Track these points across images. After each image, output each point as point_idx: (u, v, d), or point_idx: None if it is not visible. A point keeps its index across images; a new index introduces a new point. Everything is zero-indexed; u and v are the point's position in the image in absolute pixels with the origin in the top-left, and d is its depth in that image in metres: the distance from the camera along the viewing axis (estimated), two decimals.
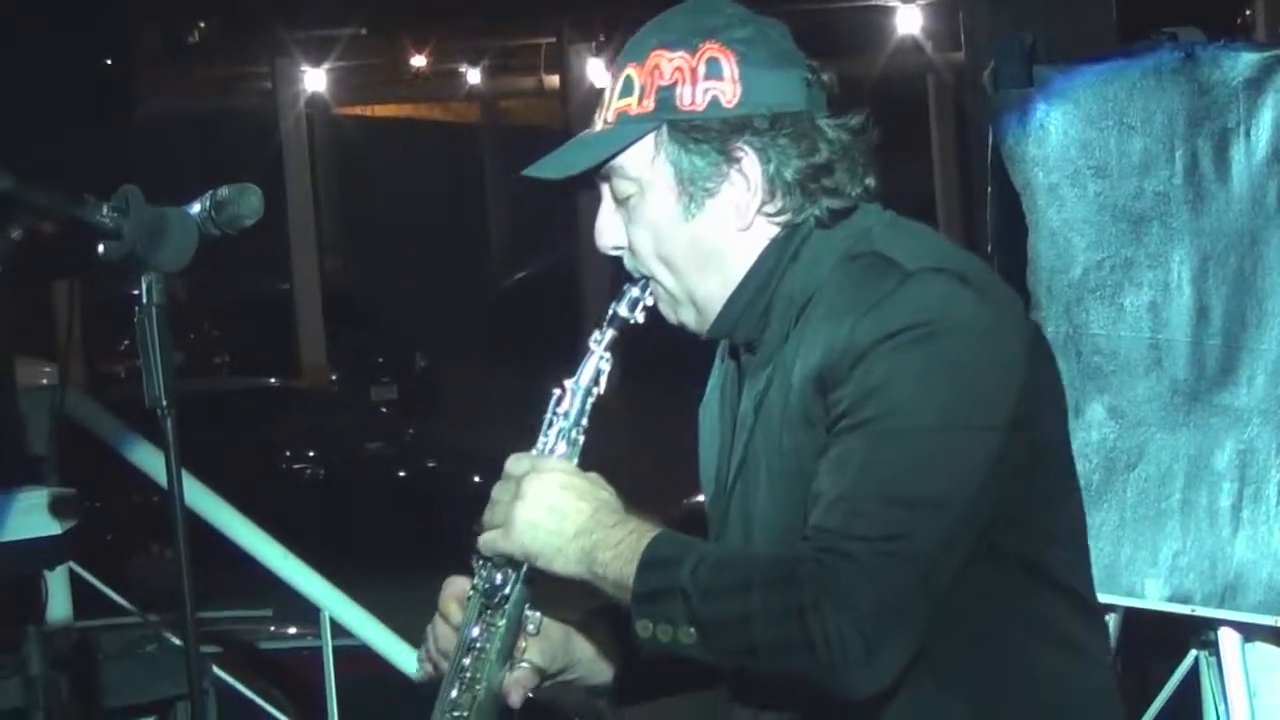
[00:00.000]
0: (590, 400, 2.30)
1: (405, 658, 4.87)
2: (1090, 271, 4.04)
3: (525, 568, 2.27)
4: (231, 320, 21.37)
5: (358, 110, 28.37)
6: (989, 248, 4.24)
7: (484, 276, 26.82)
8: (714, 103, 2.25)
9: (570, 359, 2.34)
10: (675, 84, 2.26)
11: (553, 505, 2.21)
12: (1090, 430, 3.98)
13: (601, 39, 21.07)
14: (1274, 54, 3.85)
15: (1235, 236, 3.88)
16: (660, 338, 2.38)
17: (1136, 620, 4.10)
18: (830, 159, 2.25)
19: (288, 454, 14.48)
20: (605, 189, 2.32)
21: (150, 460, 4.86)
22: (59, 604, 4.63)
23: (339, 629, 5.11)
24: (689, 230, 2.27)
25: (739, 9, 2.30)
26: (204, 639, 4.63)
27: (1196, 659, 4.09)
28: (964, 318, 2.15)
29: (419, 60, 23.21)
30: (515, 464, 2.26)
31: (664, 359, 4.23)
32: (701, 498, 2.46)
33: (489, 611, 2.31)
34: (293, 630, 6.77)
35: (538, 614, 2.35)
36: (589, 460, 2.30)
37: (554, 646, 2.40)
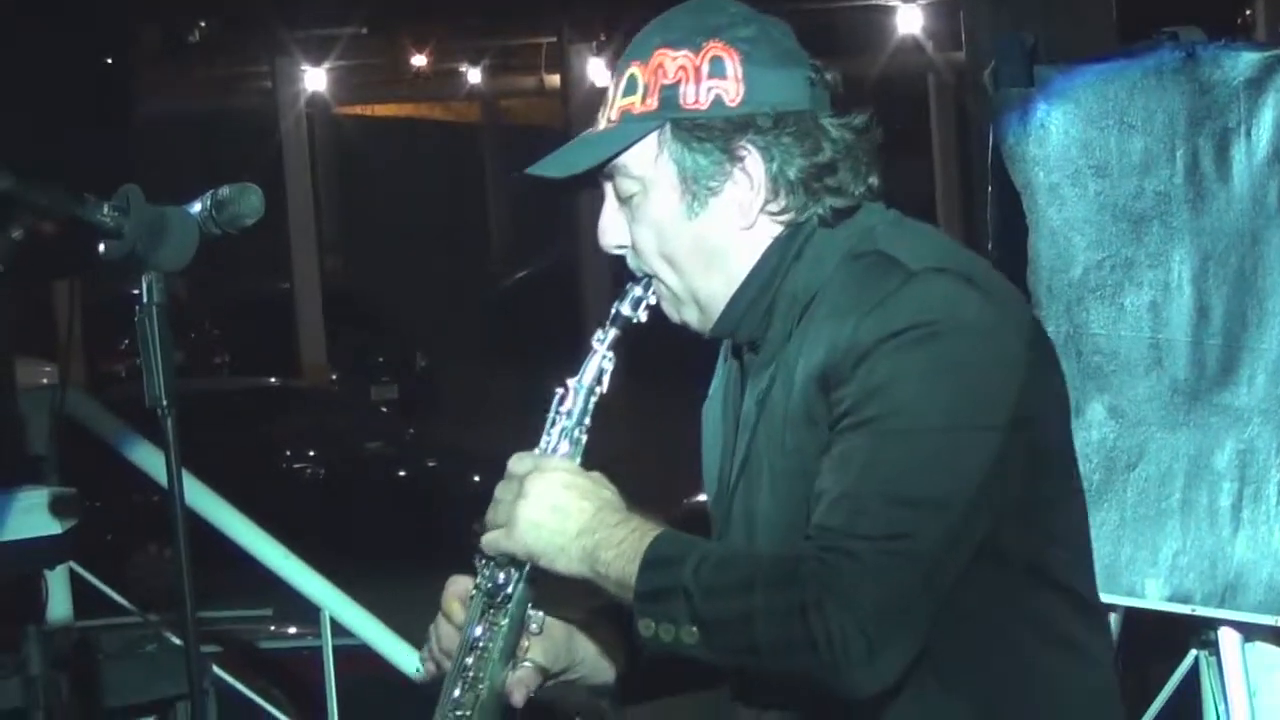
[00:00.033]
0: (593, 399, 2.30)
1: (405, 657, 4.87)
2: (1091, 271, 4.04)
3: (528, 567, 2.27)
4: (232, 320, 21.37)
5: (358, 110, 28.38)
6: (989, 247, 4.24)
7: (484, 276, 26.83)
8: (717, 101, 2.25)
9: (570, 358, 2.34)
10: (679, 83, 2.26)
11: (555, 504, 2.21)
12: (1090, 430, 3.98)
13: (602, 38, 21.08)
14: (1274, 54, 3.85)
15: (1236, 236, 3.87)
16: (663, 337, 2.38)
17: (1136, 620, 4.10)
18: (834, 158, 2.25)
19: (288, 454, 14.48)
20: (608, 188, 2.31)
21: (150, 460, 4.86)
22: (59, 604, 4.63)
23: (339, 629, 5.11)
24: (692, 229, 2.27)
25: (742, 8, 2.30)
26: (204, 639, 4.62)
27: (1196, 659, 4.09)
28: (967, 317, 2.15)
29: (419, 60, 23.22)
30: (518, 463, 2.26)
31: (667, 358, 4.23)
32: (703, 497, 2.46)
33: (492, 611, 2.31)
34: (293, 630, 6.77)
35: (540, 613, 2.35)
36: (591, 459, 2.30)
37: (556, 646, 2.40)
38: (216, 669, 5.00)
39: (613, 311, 2.30)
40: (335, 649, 5.14)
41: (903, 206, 2.32)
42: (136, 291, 2.34)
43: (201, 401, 13.52)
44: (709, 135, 2.24)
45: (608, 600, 2.21)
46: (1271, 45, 3.98)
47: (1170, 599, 3.94)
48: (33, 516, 3.99)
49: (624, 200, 2.30)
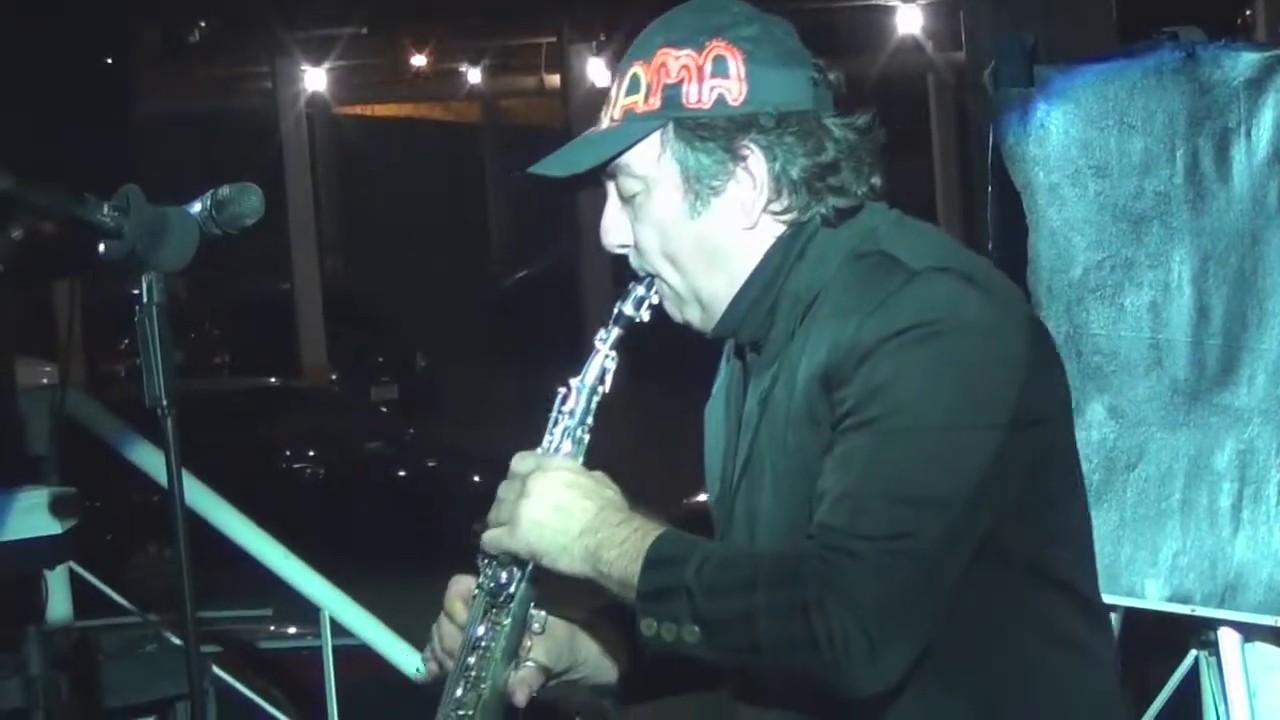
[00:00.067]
0: (595, 399, 2.30)
1: (405, 658, 4.87)
2: (1091, 271, 4.04)
3: (530, 566, 2.27)
4: (232, 320, 21.36)
5: (358, 110, 28.37)
6: (989, 247, 4.24)
7: (484, 276, 26.82)
8: (720, 101, 2.25)
9: (571, 358, 2.34)
10: (681, 82, 2.26)
11: (558, 504, 2.21)
12: (1090, 430, 3.98)
13: (602, 39, 21.08)
14: (1274, 54, 3.85)
15: (1236, 236, 3.87)
16: (665, 336, 2.38)
17: (1136, 620, 4.10)
18: (836, 158, 2.25)
19: (288, 454, 14.47)
20: (611, 187, 2.31)
21: (150, 460, 4.86)
22: (59, 604, 4.63)
23: (339, 629, 5.11)
24: (695, 228, 2.27)
25: (745, 7, 2.30)
26: (204, 639, 4.63)
27: (1196, 659, 4.09)
28: (969, 317, 2.15)
29: (419, 60, 23.22)
30: (520, 462, 2.26)
31: (669, 358, 4.23)
32: (705, 497, 2.46)
33: (494, 610, 2.31)
34: (293, 630, 6.76)
35: (543, 613, 2.35)
36: (594, 459, 2.30)
37: (559, 645, 2.40)
38: (216, 669, 5.00)
39: (615, 311, 2.30)
40: (335, 649, 5.14)
41: (903, 206, 2.32)
42: (136, 291, 2.34)
43: (201, 401, 13.51)
44: (712, 135, 2.24)
45: (610, 600, 2.21)
46: (1271, 45, 3.98)
47: (1170, 599, 3.94)
48: (33, 516, 3.99)
49: (626, 199, 2.30)
